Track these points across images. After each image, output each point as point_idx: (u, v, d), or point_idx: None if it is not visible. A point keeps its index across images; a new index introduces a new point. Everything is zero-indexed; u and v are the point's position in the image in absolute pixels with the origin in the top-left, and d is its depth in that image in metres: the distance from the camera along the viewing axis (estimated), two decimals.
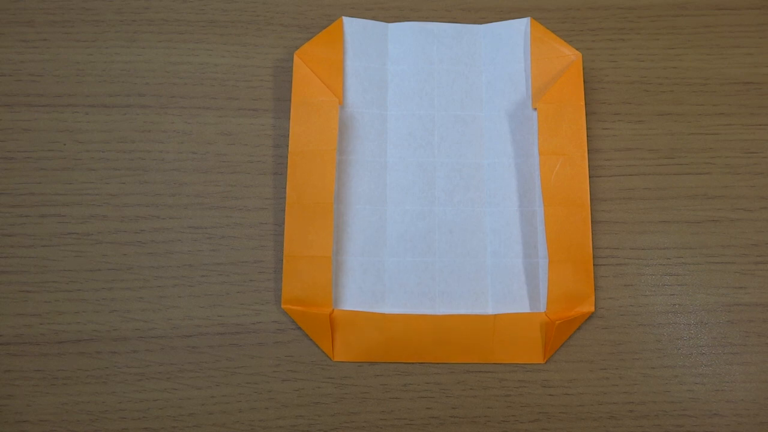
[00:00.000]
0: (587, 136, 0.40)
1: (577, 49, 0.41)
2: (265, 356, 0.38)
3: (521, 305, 0.38)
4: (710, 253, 0.39)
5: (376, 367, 0.38)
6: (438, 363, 0.38)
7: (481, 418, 0.37)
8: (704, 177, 0.40)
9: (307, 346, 0.38)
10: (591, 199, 0.40)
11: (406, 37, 0.41)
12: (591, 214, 0.39)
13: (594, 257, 0.39)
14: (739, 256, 0.39)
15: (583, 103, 0.39)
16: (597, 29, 0.42)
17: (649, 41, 0.42)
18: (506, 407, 0.37)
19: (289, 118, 0.39)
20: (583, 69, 0.41)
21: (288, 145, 0.39)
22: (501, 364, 0.38)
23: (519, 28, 0.41)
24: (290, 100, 0.40)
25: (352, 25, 0.41)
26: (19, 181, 0.40)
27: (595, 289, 0.39)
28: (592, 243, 0.39)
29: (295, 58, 0.40)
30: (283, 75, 0.41)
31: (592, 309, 0.38)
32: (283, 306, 0.38)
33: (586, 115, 0.40)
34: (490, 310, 0.38)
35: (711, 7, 0.43)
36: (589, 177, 0.39)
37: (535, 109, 0.40)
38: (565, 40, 0.41)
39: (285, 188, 0.39)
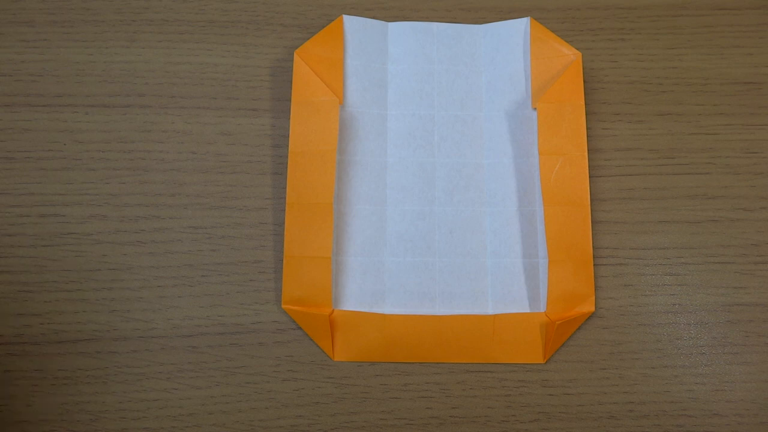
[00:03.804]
0: (587, 136, 0.40)
1: (577, 49, 0.40)
2: (265, 356, 0.38)
3: (521, 305, 0.38)
4: (710, 253, 0.39)
5: (376, 367, 0.38)
6: (438, 363, 0.38)
7: (481, 418, 0.37)
8: (704, 177, 0.40)
9: (307, 346, 0.38)
10: (591, 199, 0.40)
11: (406, 37, 0.41)
12: (591, 214, 0.39)
13: (594, 257, 0.39)
14: (739, 256, 0.39)
15: (583, 102, 0.39)
16: (597, 29, 0.42)
17: (649, 41, 0.42)
18: (506, 407, 0.37)
19: (289, 118, 0.39)
20: (583, 69, 0.41)
21: (288, 145, 0.39)
22: (501, 364, 0.38)
23: (519, 28, 0.41)
24: (290, 100, 0.40)
25: (352, 24, 0.41)
26: (19, 181, 0.40)
27: (595, 289, 0.39)
28: (592, 243, 0.39)
29: (295, 56, 0.40)
30: (283, 75, 0.41)
31: (592, 309, 0.38)
32: (283, 306, 0.38)
33: (586, 115, 0.40)
34: (490, 311, 0.38)
35: (711, 7, 0.43)
36: (589, 177, 0.39)
37: (535, 108, 0.40)
38: (565, 40, 0.41)
39: (285, 188, 0.39)
